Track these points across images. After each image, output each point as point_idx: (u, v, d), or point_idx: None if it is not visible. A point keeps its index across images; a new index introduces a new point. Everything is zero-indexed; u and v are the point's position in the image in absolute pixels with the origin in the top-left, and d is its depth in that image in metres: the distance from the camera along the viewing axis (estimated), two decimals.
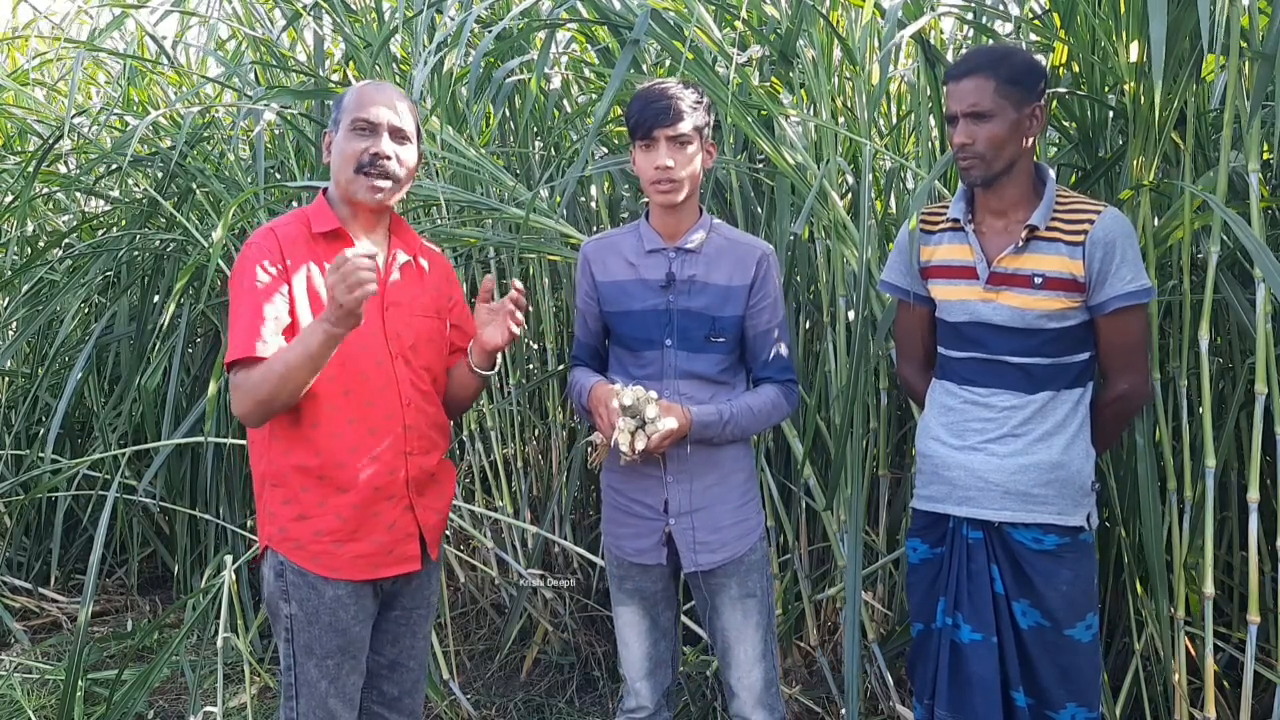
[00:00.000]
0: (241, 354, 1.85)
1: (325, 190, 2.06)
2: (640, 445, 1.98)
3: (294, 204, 3.52)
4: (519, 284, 2.04)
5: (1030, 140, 1.99)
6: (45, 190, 4.50)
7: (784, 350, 2.18)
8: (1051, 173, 2.06)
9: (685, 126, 2.02)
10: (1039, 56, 2.50)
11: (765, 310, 2.13)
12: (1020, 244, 2.00)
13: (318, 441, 1.93)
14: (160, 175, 3.90)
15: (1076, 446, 2.02)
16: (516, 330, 2.04)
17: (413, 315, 2.06)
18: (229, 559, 2.73)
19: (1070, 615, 2.01)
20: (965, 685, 2.05)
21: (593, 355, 2.25)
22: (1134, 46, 2.20)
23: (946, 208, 2.13)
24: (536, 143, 3.55)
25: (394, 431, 1.99)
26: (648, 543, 2.14)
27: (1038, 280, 1.98)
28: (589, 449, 2.12)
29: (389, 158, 1.97)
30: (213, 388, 2.77)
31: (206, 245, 3.38)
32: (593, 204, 3.58)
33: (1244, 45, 2.05)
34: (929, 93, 2.64)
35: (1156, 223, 2.35)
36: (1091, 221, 1.96)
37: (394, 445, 1.99)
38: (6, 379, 4.72)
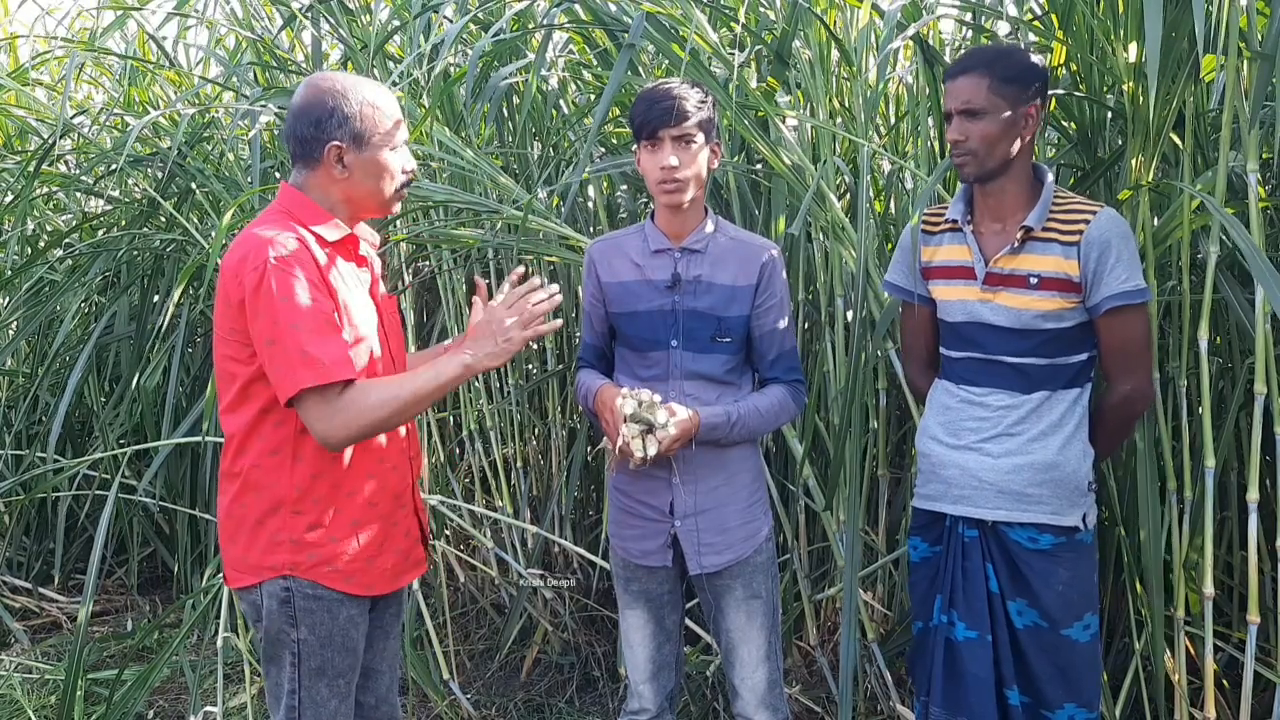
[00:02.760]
0: (346, 374, 1.76)
1: (293, 189, 1.91)
2: (652, 451, 1.97)
3: None
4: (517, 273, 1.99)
5: (1027, 140, 2.00)
6: (45, 190, 4.50)
7: (791, 350, 2.18)
8: (1050, 173, 2.06)
9: (690, 125, 2.01)
10: (1037, 57, 2.50)
11: (771, 310, 2.13)
12: (1016, 244, 2.00)
13: (349, 459, 1.88)
14: (160, 175, 3.90)
15: (1073, 447, 2.02)
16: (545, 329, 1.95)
17: (391, 314, 2.03)
18: None
19: (1067, 615, 2.02)
20: (960, 683, 2.06)
21: (599, 357, 2.24)
22: (1132, 47, 2.20)
23: (947, 208, 2.14)
24: (535, 143, 3.55)
25: (404, 436, 1.99)
26: (653, 544, 2.14)
27: (1033, 281, 1.98)
28: (605, 455, 2.11)
29: (415, 170, 1.98)
30: (211, 388, 2.77)
31: (206, 245, 3.38)
32: (590, 205, 3.58)
33: (1242, 46, 2.05)
34: (928, 93, 2.63)
35: (1155, 223, 2.34)
36: (1087, 222, 1.96)
37: (404, 450, 1.99)
38: (6, 379, 4.72)
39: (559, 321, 1.97)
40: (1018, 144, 1.98)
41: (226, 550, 1.93)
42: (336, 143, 1.85)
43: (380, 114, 1.88)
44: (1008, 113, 1.95)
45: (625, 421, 1.98)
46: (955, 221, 2.10)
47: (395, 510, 1.96)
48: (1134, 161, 2.25)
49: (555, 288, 1.95)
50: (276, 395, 1.79)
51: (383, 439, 1.93)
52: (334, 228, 1.89)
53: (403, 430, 1.98)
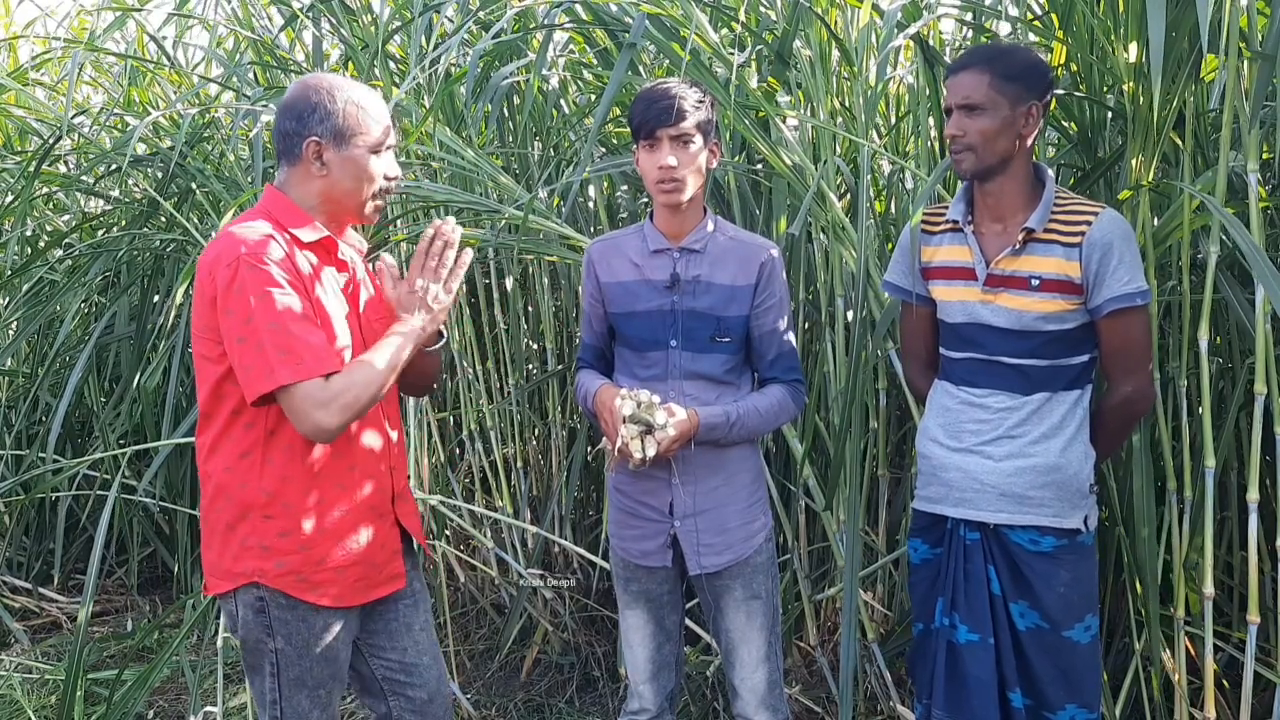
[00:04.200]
0: (330, 366, 1.74)
1: (276, 190, 1.89)
2: (651, 451, 1.97)
3: None
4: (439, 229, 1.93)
5: (1028, 139, 1.99)
6: (45, 190, 4.50)
7: (791, 350, 2.18)
8: (1051, 174, 2.06)
9: (688, 125, 2.01)
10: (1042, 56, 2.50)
11: (770, 310, 2.13)
12: (1017, 246, 1.99)
13: (319, 464, 1.85)
14: (160, 175, 3.90)
15: (1074, 448, 2.02)
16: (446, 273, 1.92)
17: (377, 321, 1.99)
18: None
19: (1068, 617, 2.02)
20: (962, 686, 2.05)
21: (598, 357, 2.24)
22: (1133, 47, 2.20)
23: (947, 208, 2.13)
24: (535, 143, 3.55)
25: (382, 446, 1.95)
26: (653, 545, 2.14)
27: (1035, 282, 1.98)
28: (605, 455, 2.11)
29: (400, 177, 1.95)
30: None
31: (206, 245, 3.38)
32: (591, 204, 3.58)
33: (1243, 46, 2.05)
34: (928, 93, 2.64)
35: (1156, 223, 2.35)
36: (1089, 223, 1.95)
37: (383, 461, 1.95)
38: (6, 379, 4.72)
39: (468, 254, 1.94)
40: (1017, 142, 1.98)
41: (205, 556, 1.91)
42: (315, 138, 1.84)
43: (364, 114, 1.86)
44: (1007, 110, 1.95)
45: (624, 422, 1.98)
46: (955, 222, 2.09)
47: (371, 520, 1.92)
48: (1134, 161, 2.25)
49: (449, 226, 1.91)
50: (244, 394, 1.76)
51: (362, 447, 1.90)
52: (312, 229, 1.87)
53: (364, 420, 1.91)
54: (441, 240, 1.92)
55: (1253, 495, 2.14)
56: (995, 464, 2.03)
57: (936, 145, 2.74)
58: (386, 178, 1.91)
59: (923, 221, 2.17)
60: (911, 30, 2.37)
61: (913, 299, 2.18)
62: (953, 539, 2.10)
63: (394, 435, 2.00)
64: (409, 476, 2.08)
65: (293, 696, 1.88)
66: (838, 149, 2.87)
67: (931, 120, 2.71)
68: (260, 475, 1.82)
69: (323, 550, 1.86)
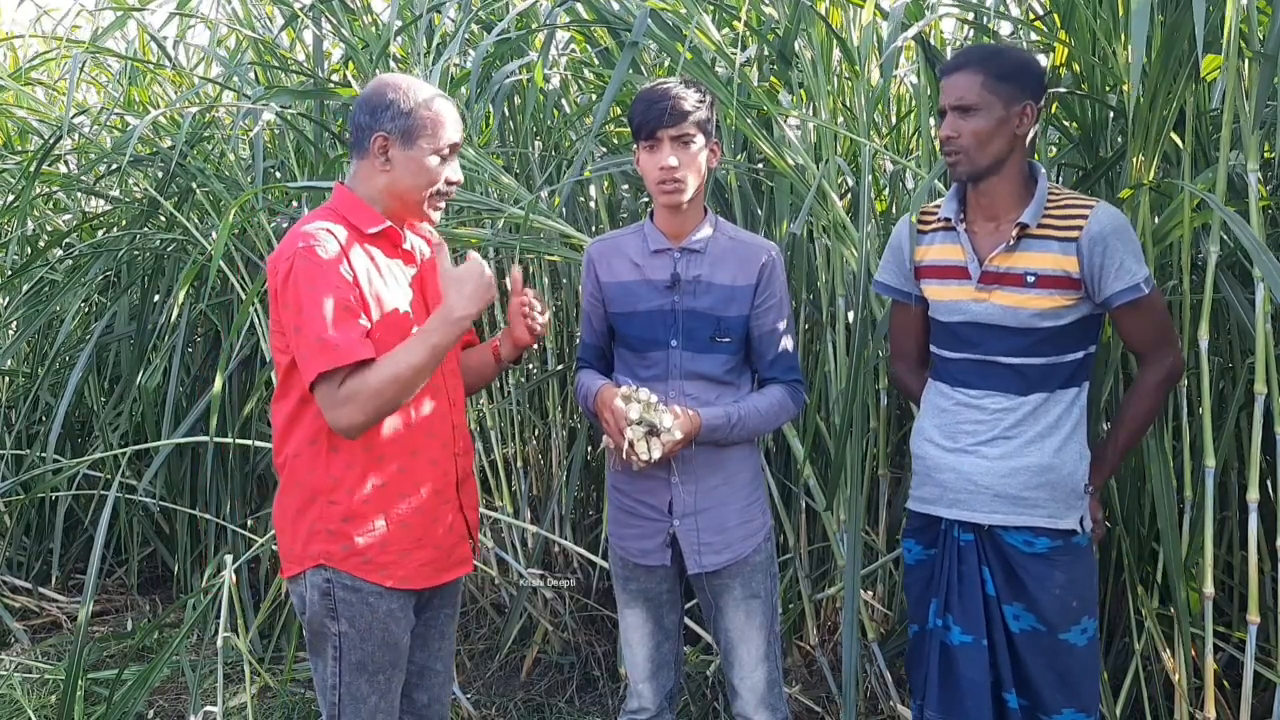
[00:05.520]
0: (360, 355, 1.79)
1: (343, 187, 1.97)
2: (656, 453, 1.98)
3: (294, 204, 3.52)
4: (517, 274, 2.09)
5: (1021, 138, 1.98)
6: (45, 190, 4.50)
7: (790, 350, 2.18)
8: (1044, 171, 2.05)
9: (688, 125, 2.02)
10: (1040, 57, 2.50)
11: (770, 310, 2.13)
12: (1011, 243, 1.99)
13: (381, 449, 1.90)
14: (160, 175, 3.90)
15: (1069, 449, 2.02)
16: (538, 329, 2.09)
17: None
18: (229, 559, 2.74)
19: (1064, 619, 2.00)
20: (955, 687, 2.05)
21: (598, 356, 2.24)
22: (1133, 47, 2.20)
23: (939, 207, 2.13)
24: (536, 143, 3.55)
25: (445, 433, 2.00)
26: (652, 544, 2.14)
27: (1030, 279, 1.98)
28: (605, 455, 2.13)
29: (460, 182, 2.00)
30: (216, 386, 2.77)
31: (206, 245, 3.38)
32: (592, 204, 3.58)
33: (1243, 46, 2.05)
34: (929, 93, 2.64)
35: (1156, 222, 2.35)
36: (1084, 218, 1.95)
37: (446, 447, 2.00)
38: (6, 379, 4.72)
39: (545, 321, 2.09)
40: (1011, 142, 1.97)
41: (279, 540, 1.99)
42: (383, 134, 1.91)
43: (433, 117, 1.92)
44: (1001, 111, 1.94)
45: (630, 424, 1.98)
46: (948, 220, 2.09)
47: (436, 505, 1.97)
48: (1135, 161, 2.26)
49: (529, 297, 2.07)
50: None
51: (424, 433, 1.95)
52: (375, 222, 1.94)
53: (426, 406, 1.96)
54: (523, 299, 2.07)
55: (1253, 495, 2.14)
56: (990, 464, 2.03)
57: (937, 145, 2.74)
58: (448, 181, 1.97)
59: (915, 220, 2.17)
60: (913, 30, 2.37)
61: (906, 299, 2.17)
62: (946, 540, 2.10)
63: (456, 417, 2.04)
64: (473, 461, 2.13)
65: (353, 681, 1.92)
66: (839, 149, 2.88)
67: (932, 120, 2.71)
68: (326, 461, 1.89)
69: (386, 534, 1.91)
